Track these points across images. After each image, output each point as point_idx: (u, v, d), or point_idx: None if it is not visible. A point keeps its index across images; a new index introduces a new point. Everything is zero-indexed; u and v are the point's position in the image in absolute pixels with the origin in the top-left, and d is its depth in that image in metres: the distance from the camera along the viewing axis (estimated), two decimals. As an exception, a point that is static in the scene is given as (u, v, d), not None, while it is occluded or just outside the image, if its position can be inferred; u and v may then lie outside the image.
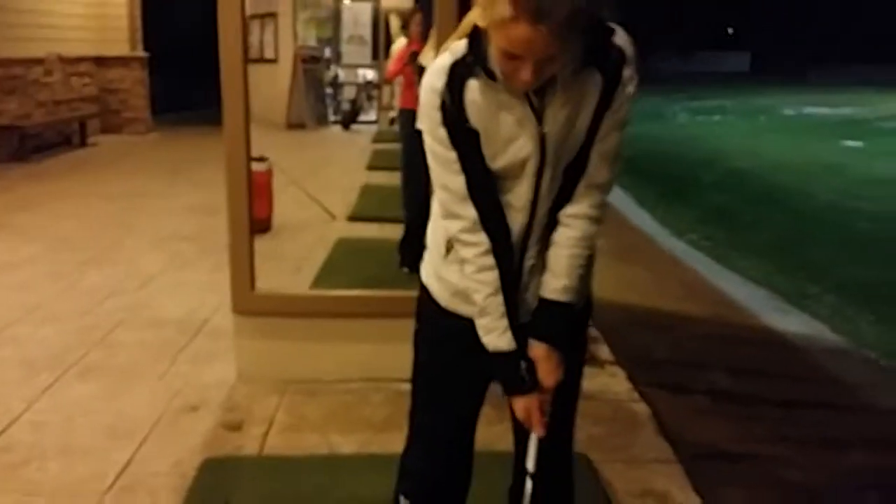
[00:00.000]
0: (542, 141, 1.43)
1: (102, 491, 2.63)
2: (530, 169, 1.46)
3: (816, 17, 39.67)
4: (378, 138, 9.54)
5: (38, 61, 10.32)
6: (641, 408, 3.30)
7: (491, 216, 1.50)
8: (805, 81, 31.31)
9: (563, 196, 1.50)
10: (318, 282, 4.29)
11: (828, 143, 13.31)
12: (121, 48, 11.85)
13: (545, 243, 1.55)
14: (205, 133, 12.12)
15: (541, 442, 1.60)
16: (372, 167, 7.93)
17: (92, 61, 11.66)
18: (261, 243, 3.47)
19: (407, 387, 1.82)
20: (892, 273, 6.11)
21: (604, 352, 3.87)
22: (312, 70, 9.26)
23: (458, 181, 1.48)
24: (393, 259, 4.62)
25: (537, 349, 1.54)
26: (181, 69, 15.50)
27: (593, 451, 2.89)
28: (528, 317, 1.57)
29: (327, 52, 10.19)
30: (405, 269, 4.37)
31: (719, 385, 3.74)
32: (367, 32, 10.86)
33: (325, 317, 3.39)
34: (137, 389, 3.40)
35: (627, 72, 1.44)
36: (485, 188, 1.48)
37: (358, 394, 3.33)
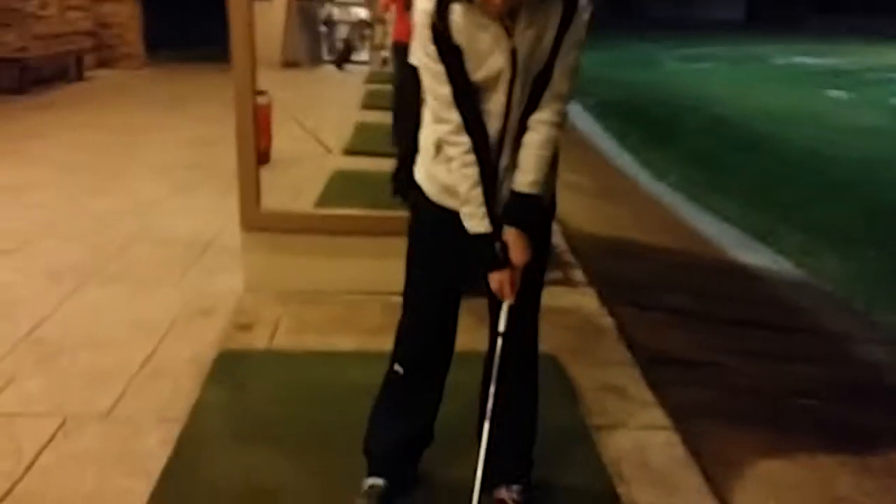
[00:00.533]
0: (513, 56, 1.76)
1: (130, 376, 2.99)
2: (504, 80, 1.79)
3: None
4: (371, 79, 9.73)
5: (35, -7, 10.40)
6: (607, 321, 3.67)
7: (472, 121, 1.83)
8: (799, 31, 31.26)
9: (531, 104, 1.84)
10: (317, 206, 4.59)
11: (813, 92, 13.57)
12: (116, -18, 11.91)
13: (517, 145, 1.88)
14: (198, 69, 12.30)
15: (510, 310, 1.96)
16: (366, 107, 8.16)
17: (87, -5, 11.72)
18: (261, 174, 3.75)
19: (399, 299, 2.17)
20: (859, 215, 6.47)
21: (578, 275, 4.23)
22: (307, 8, 9.39)
23: (446, 90, 1.80)
24: (386, 188, 4.92)
25: (509, 232, 1.89)
26: (174, 6, 15.49)
27: (562, 355, 3.27)
28: (503, 206, 1.91)
29: (321, -11, 10.30)
30: (398, 198, 4.69)
31: (681, 305, 4.12)
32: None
33: (326, 234, 3.72)
34: (154, 295, 3.74)
35: (583, 1, 1.77)
36: (467, 97, 1.81)
37: (355, 304, 3.69)
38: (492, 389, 2.00)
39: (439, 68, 1.80)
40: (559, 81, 1.83)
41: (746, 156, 8.54)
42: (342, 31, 10.02)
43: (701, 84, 14.41)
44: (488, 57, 1.77)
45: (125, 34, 12.01)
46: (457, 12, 1.74)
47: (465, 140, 1.84)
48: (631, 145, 8.98)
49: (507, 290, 1.93)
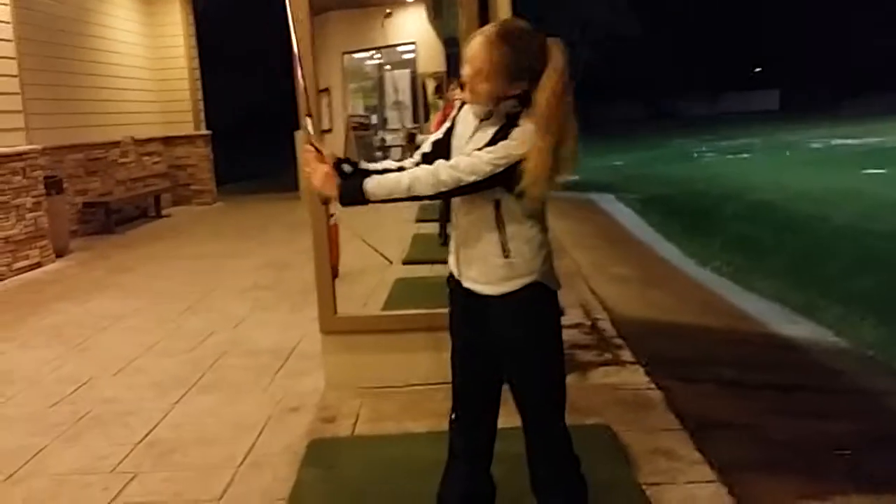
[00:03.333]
0: None
1: (235, 467, 3.45)
2: None
3: (846, 49, 39.83)
4: (423, 193, 10.40)
5: (115, 144, 11.55)
6: (656, 394, 4.02)
7: None
8: (836, 115, 31.65)
9: None
10: (385, 309, 5.11)
11: (851, 171, 13.87)
12: (186, 128, 13.12)
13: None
14: (264, 200, 13.30)
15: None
16: (419, 219, 8.79)
17: (161, 141, 12.92)
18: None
19: None
20: (897, 285, 6.71)
21: (626, 355, 4.60)
22: (362, 136, 10.25)
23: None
24: (444, 290, 5.42)
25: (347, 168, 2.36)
26: (237, 144, 16.78)
27: (614, 424, 3.62)
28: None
29: (374, 119, 11.21)
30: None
31: (725, 376, 4.44)
32: (406, 98, 11.91)
33: (394, 332, 4.21)
34: (248, 398, 4.24)
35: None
36: None
37: (424, 393, 4.12)
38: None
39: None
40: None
41: (786, 237, 8.86)
42: (395, 154, 10.87)
43: (739, 173, 14.84)
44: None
45: (197, 173, 13.17)
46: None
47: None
48: (674, 236, 9.38)
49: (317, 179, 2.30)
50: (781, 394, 4.23)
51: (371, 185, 2.23)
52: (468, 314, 2.44)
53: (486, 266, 2.32)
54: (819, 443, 3.59)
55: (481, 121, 2.27)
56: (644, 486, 3.07)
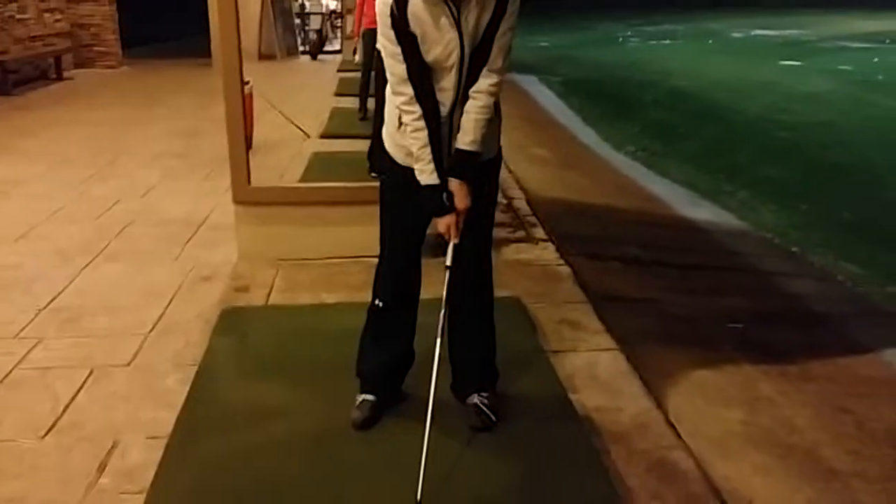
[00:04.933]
0: (461, 39, 2.20)
1: (145, 333, 3.42)
2: (455, 59, 2.24)
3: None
4: (343, 67, 10.12)
5: (12, -2, 10.67)
6: (564, 269, 4.15)
7: (424, 93, 2.27)
8: (760, 4, 31.90)
9: (472, 78, 2.28)
10: (301, 182, 5.03)
11: (767, 62, 14.17)
12: (90, -17, 12.19)
13: (462, 113, 2.33)
14: (173, 64, 12.65)
15: (456, 247, 2.41)
16: (339, 93, 8.56)
17: (63, -3, 11.99)
18: (247, 156, 4.17)
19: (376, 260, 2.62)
20: (800, 173, 7.02)
21: (539, 232, 4.70)
22: (280, 1, 9.74)
23: (401, 68, 2.26)
24: (363, 165, 5.36)
25: (452, 183, 2.34)
26: (146, 4, 15.75)
27: (524, 297, 3.74)
28: (448, 161, 2.36)
29: (294, -17, 10.67)
30: (373, 175, 5.12)
31: (630, 254, 4.62)
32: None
33: (310, 205, 4.16)
34: (158, 267, 4.17)
35: None
36: (420, 74, 2.25)
37: (340, 266, 4.13)
38: (441, 313, 2.45)
39: (396, 50, 2.24)
40: (496, 58, 2.28)
41: (700, 125, 9.07)
42: (315, 22, 10.41)
43: (660, 59, 14.94)
44: (440, 41, 2.22)
45: (101, 34, 12.31)
46: (414, 4, 2.19)
47: (416, 109, 2.28)
48: (592, 120, 9.46)
49: (453, 231, 2.38)
50: (682, 272, 4.44)
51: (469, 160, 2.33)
52: (418, 188, 2.42)
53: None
54: (713, 317, 3.81)
55: None
56: (549, 354, 3.21)
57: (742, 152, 7.70)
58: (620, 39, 18.82)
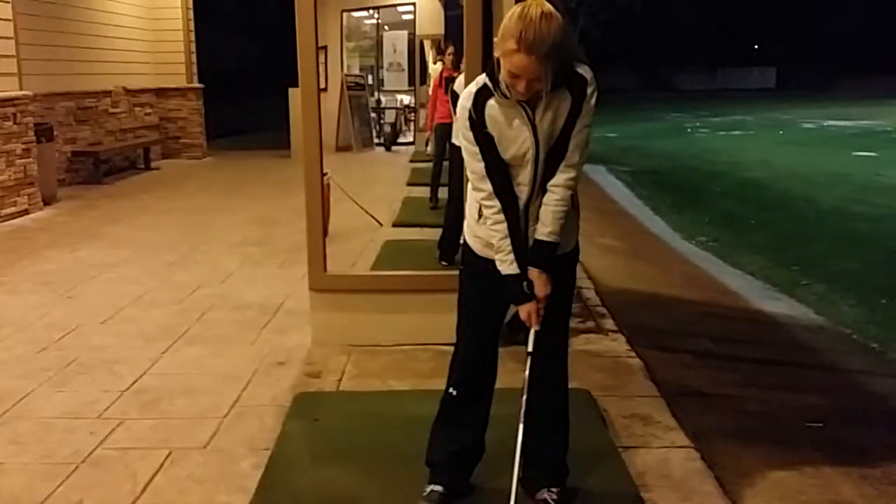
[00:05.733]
0: (535, 138, 2.30)
1: (221, 416, 3.51)
2: (530, 157, 2.34)
3: (843, 30, 39.82)
4: (415, 158, 10.45)
5: (107, 93, 11.45)
6: (635, 362, 4.10)
7: (502, 188, 2.37)
8: (830, 96, 31.71)
9: (549, 173, 2.37)
10: (374, 269, 5.16)
11: (841, 153, 13.97)
12: (178, 80, 13.00)
13: (540, 206, 2.41)
14: (254, 156, 13.26)
15: (537, 334, 2.45)
16: (411, 183, 8.82)
17: (153, 92, 12.81)
18: (322, 243, 4.32)
19: (448, 348, 2.69)
20: (878, 267, 6.83)
21: (608, 323, 4.68)
22: (357, 96, 10.21)
23: (480, 166, 2.37)
24: (432, 254, 5.48)
25: (532, 272, 2.41)
26: (229, 99, 16.65)
27: (594, 390, 3.70)
28: (527, 251, 2.43)
29: (370, 79, 11.15)
30: (443, 263, 5.23)
31: (704, 347, 4.54)
32: (404, 60, 11.82)
33: (382, 292, 4.26)
34: (235, 351, 4.30)
35: (589, 90, 2.33)
36: (498, 170, 2.36)
37: (409, 353, 4.18)
38: (523, 398, 2.47)
39: (475, 149, 2.36)
40: (572, 154, 2.37)
41: (773, 215, 8.95)
42: (389, 116, 10.84)
43: (731, 150, 14.91)
44: (516, 140, 2.33)
45: (188, 126, 13.07)
46: (491, 107, 2.31)
47: (496, 203, 2.38)
48: (662, 210, 9.45)
49: (534, 318, 2.43)
50: (757, 367, 4.33)
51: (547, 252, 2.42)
52: (497, 278, 2.48)
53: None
54: (791, 415, 3.69)
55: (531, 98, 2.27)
56: (620, 449, 3.15)
57: (817, 244, 7.55)
58: (689, 130, 18.91)
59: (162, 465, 3.09)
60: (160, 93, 12.98)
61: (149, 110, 12.75)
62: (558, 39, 2.16)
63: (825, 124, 19.70)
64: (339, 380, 3.90)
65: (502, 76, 2.25)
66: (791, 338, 4.91)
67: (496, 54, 2.26)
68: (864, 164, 12.62)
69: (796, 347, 4.71)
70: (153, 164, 11.95)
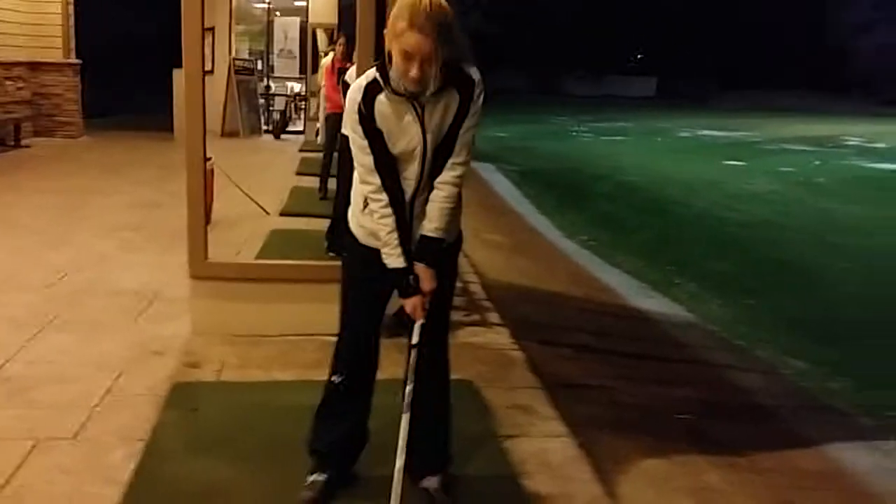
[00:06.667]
0: (423, 135, 2.32)
1: (92, 406, 3.35)
2: (418, 154, 2.36)
3: (721, 45, 42.01)
4: (305, 147, 10.32)
5: (-27, 64, 10.68)
6: (518, 354, 4.20)
7: (390, 183, 2.39)
8: (707, 107, 33.42)
9: (437, 171, 2.40)
10: (259, 258, 5.05)
11: (713, 162, 14.78)
12: (55, 54, 12.26)
13: (426, 201, 2.43)
14: (135, 137, 12.67)
15: (422, 326, 2.47)
16: (300, 172, 8.70)
17: (26, 66, 12.03)
18: (205, 231, 4.19)
19: (333, 339, 2.66)
20: (745, 269, 7.28)
21: (493, 317, 4.77)
22: (246, 81, 9.95)
23: (368, 160, 2.38)
24: (320, 244, 5.41)
25: (418, 267, 2.43)
26: (108, 76, 15.87)
27: (477, 381, 3.77)
28: (414, 246, 2.45)
29: (259, 65, 10.90)
30: (331, 254, 5.18)
31: (583, 341, 4.71)
32: (295, 47, 11.60)
33: (267, 281, 4.18)
34: (108, 339, 4.11)
35: (476, 91, 2.37)
36: (386, 165, 2.37)
37: (294, 343, 4.12)
38: (407, 389, 2.49)
39: (364, 143, 2.37)
40: (459, 153, 2.41)
41: (648, 218, 9.38)
42: (279, 104, 10.62)
43: (612, 154, 15.49)
44: (404, 136, 2.35)
45: (63, 104, 12.32)
46: (381, 102, 2.31)
47: (383, 197, 2.39)
48: (547, 209, 9.72)
49: (418, 312, 2.46)
50: (632, 361, 4.53)
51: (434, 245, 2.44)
52: (381, 269, 2.47)
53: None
54: (663, 407, 3.89)
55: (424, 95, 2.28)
56: (502, 438, 3.23)
57: (690, 247, 7.97)
58: (574, 133, 19.51)
59: (27, 456, 2.93)
60: (34, 66, 12.16)
61: (21, 84, 11.95)
62: (449, 20, 2.19)
63: (700, 134, 20.77)
64: (220, 370, 3.80)
65: (395, 65, 2.26)
66: (664, 334, 5.16)
67: (387, 47, 2.26)
68: (734, 173, 13.40)
69: (669, 343, 4.96)
70: (23, 142, 11.23)
